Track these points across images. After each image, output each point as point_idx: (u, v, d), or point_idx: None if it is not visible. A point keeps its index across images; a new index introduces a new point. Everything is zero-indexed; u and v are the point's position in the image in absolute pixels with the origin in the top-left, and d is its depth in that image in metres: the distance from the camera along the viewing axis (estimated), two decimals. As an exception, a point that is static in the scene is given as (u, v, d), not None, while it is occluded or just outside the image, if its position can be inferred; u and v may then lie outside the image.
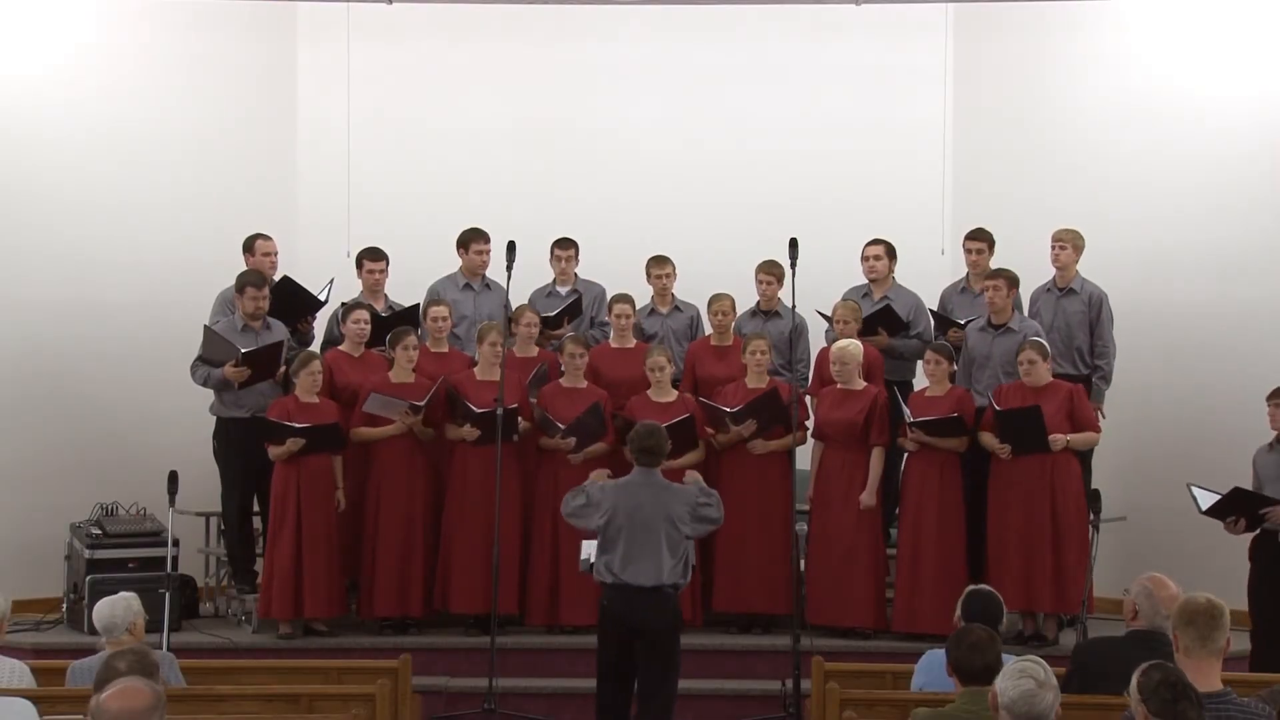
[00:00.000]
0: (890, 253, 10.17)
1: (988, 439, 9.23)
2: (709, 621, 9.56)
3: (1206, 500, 8.48)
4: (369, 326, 9.66)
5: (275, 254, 10.14)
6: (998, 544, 9.17)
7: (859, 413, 9.28)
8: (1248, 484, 8.76)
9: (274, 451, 9.13)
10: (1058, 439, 9.02)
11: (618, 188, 11.62)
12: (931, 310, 10.12)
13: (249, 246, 10.08)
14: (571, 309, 10.16)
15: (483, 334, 9.50)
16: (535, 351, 9.81)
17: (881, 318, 9.99)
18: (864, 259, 10.19)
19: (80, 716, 4.86)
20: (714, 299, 9.88)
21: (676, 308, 10.33)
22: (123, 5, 11.08)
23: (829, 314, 10.08)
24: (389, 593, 9.35)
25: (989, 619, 6.21)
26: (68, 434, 10.64)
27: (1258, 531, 8.51)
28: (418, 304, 9.95)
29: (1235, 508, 8.39)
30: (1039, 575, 9.03)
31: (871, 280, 10.20)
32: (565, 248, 10.37)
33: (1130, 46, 10.92)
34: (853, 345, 9.39)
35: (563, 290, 10.38)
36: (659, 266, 10.22)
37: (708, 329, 10.10)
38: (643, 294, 10.24)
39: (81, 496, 10.04)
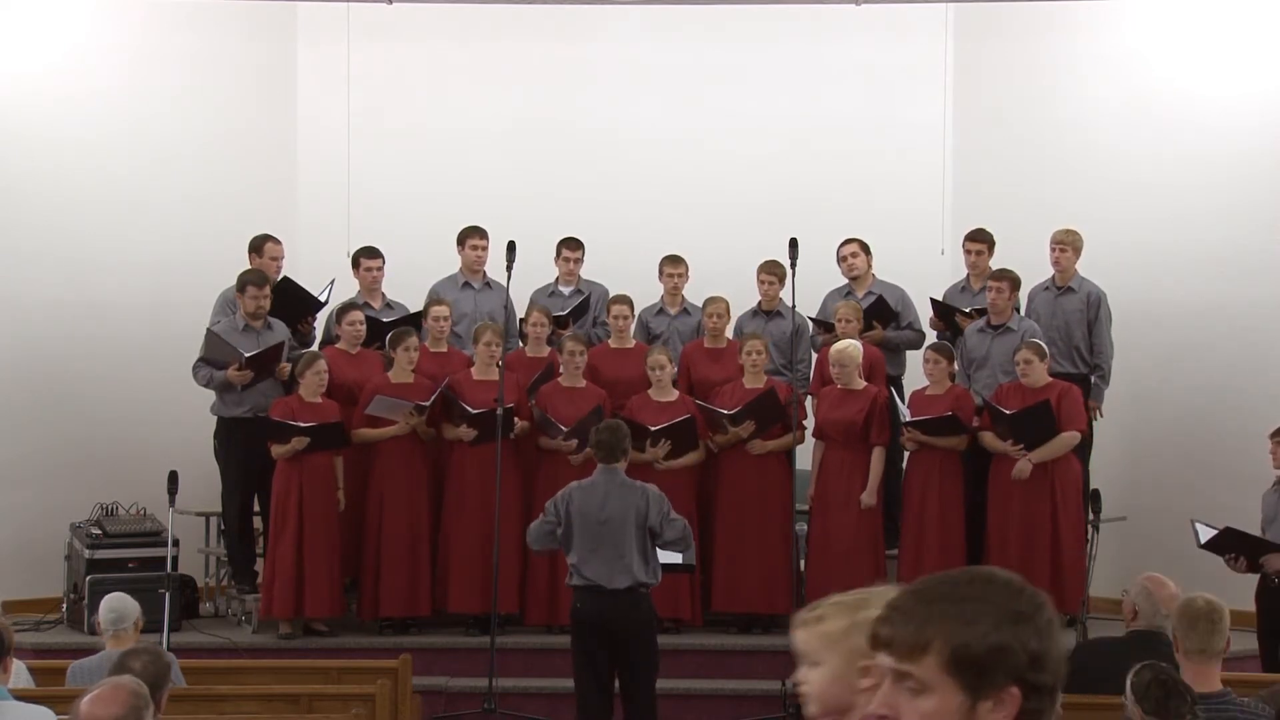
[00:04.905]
0: (865, 249, 10.20)
1: (990, 439, 9.22)
2: (709, 621, 9.56)
3: (1206, 535, 8.45)
4: (364, 327, 9.67)
5: (282, 258, 10.14)
6: (998, 544, 9.18)
7: (859, 413, 9.28)
8: (1250, 498, 8.73)
9: (277, 450, 9.13)
10: (1022, 468, 9.01)
11: (617, 188, 11.61)
12: (935, 300, 10.12)
13: (257, 247, 10.08)
14: (579, 309, 10.16)
15: (478, 334, 9.51)
16: (546, 351, 9.81)
17: (875, 311, 10.01)
18: (840, 258, 10.21)
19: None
20: (709, 301, 9.89)
21: (685, 310, 10.32)
22: (123, 5, 11.08)
23: (821, 318, 10.10)
24: (395, 592, 9.35)
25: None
26: (68, 434, 10.63)
27: (1260, 576, 8.45)
28: (417, 312, 9.94)
29: (1232, 545, 8.35)
30: (1038, 575, 9.01)
31: (852, 278, 10.21)
32: (573, 248, 10.36)
33: (1130, 46, 10.92)
34: (852, 346, 9.39)
35: (566, 290, 10.38)
36: (672, 266, 10.21)
37: (710, 332, 10.10)
38: (642, 294, 10.23)
39: (81, 496, 10.05)
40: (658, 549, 7.56)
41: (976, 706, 2.12)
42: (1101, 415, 9.78)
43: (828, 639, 2.82)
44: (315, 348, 10.03)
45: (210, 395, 9.68)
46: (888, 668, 2.17)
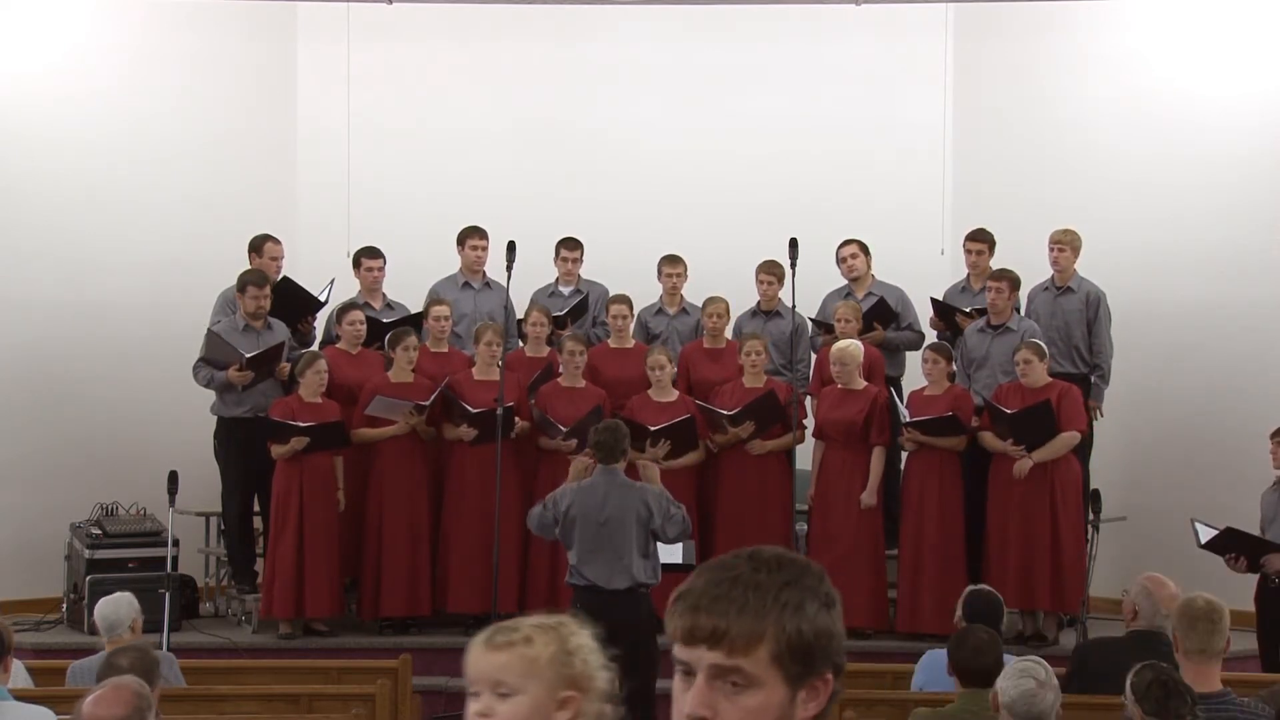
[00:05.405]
0: (865, 250, 10.20)
1: (990, 439, 9.22)
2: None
3: (1206, 534, 8.45)
4: (364, 328, 9.67)
5: (282, 258, 10.14)
6: (998, 544, 9.18)
7: (859, 413, 9.28)
8: (1250, 498, 8.74)
9: (277, 450, 9.13)
10: (1022, 466, 9.00)
11: (617, 188, 11.61)
12: (935, 300, 10.13)
13: (257, 247, 10.08)
14: (578, 308, 10.16)
15: (478, 334, 9.52)
16: (546, 351, 9.81)
17: (875, 313, 10.01)
18: (840, 260, 10.21)
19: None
20: (708, 301, 9.89)
21: (684, 310, 10.31)
22: (123, 4, 11.08)
23: (820, 318, 10.10)
24: (396, 593, 9.35)
25: (990, 619, 6.22)
26: (68, 434, 10.63)
27: (1259, 576, 8.45)
28: (418, 312, 9.95)
29: (1232, 545, 8.36)
30: (1039, 575, 9.03)
31: (852, 280, 10.21)
32: (572, 248, 10.36)
33: (1130, 46, 10.92)
34: (853, 346, 9.39)
35: (565, 290, 10.38)
36: (671, 265, 10.20)
37: (709, 332, 10.10)
38: (642, 294, 10.23)
39: (81, 496, 10.04)
40: (659, 545, 7.57)
41: (795, 698, 2.02)
42: (1101, 415, 9.77)
43: (534, 665, 2.50)
44: (315, 348, 10.03)
45: (210, 395, 9.69)
46: (708, 664, 2.01)
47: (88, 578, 9.49)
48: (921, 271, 10.51)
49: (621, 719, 2.63)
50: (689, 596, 2.06)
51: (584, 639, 2.56)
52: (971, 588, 6.86)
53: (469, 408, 9.21)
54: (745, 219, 11.29)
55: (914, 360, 10.13)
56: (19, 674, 6.44)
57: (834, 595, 2.07)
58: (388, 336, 9.59)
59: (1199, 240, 10.47)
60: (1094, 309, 9.78)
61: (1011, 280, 9.64)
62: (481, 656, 2.52)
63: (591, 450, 7.66)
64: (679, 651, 2.06)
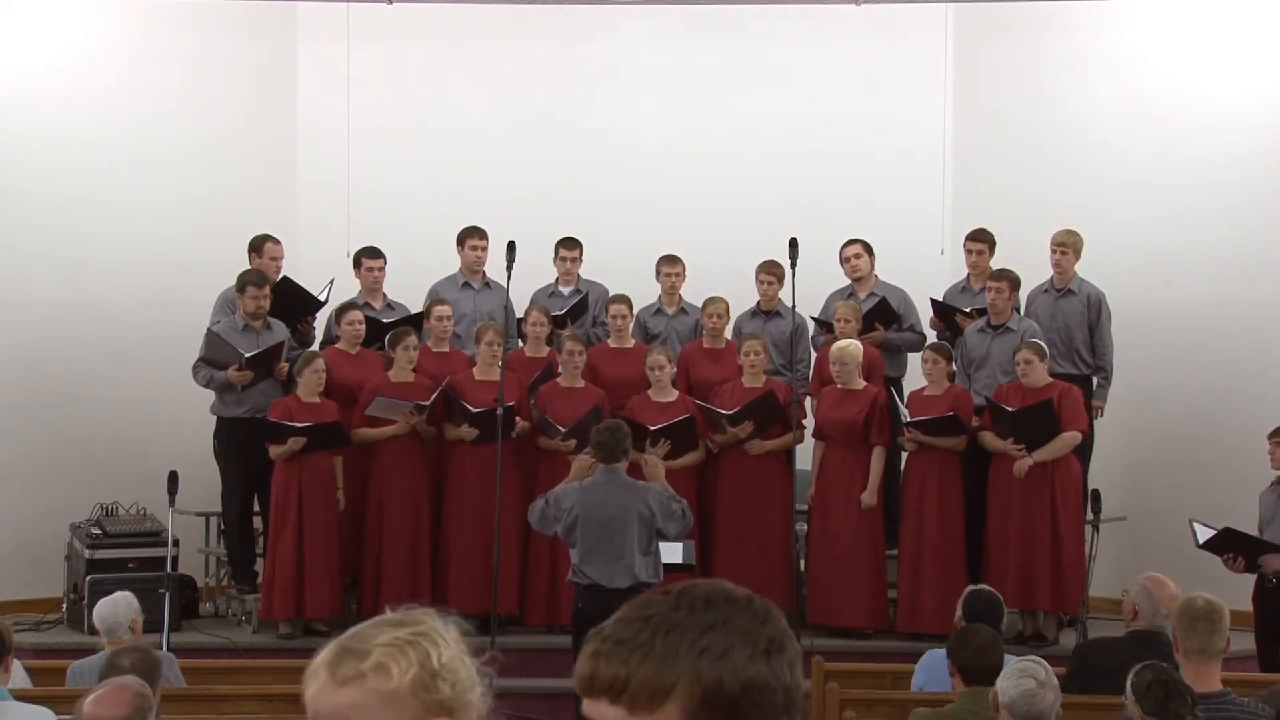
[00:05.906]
0: (868, 250, 10.20)
1: (990, 439, 9.22)
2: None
3: (1204, 535, 8.46)
4: (364, 327, 9.67)
5: (282, 258, 10.15)
6: (998, 544, 9.18)
7: (859, 412, 9.28)
8: (1250, 498, 8.74)
9: (275, 451, 9.13)
10: (1022, 465, 8.99)
11: (617, 188, 11.60)
12: (935, 300, 10.13)
13: (257, 247, 10.08)
14: (577, 308, 10.16)
15: (480, 334, 9.52)
16: (545, 351, 9.81)
17: (877, 313, 10.01)
18: (844, 260, 10.22)
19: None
20: (708, 301, 9.89)
21: (683, 309, 10.31)
22: (123, 4, 11.09)
23: (821, 318, 10.10)
24: (396, 593, 9.34)
25: (990, 619, 6.23)
26: (68, 434, 10.63)
27: (1258, 576, 8.45)
28: (418, 313, 9.95)
29: (1231, 546, 8.36)
30: (1039, 575, 9.04)
31: (855, 279, 10.21)
32: (570, 248, 10.36)
33: (1130, 46, 10.92)
34: (853, 345, 9.39)
35: (565, 290, 10.38)
36: (670, 265, 10.20)
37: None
38: (642, 294, 10.23)
39: (81, 496, 10.04)
40: (660, 544, 7.59)
41: None
42: (1102, 414, 9.77)
43: (393, 701, 1.99)
44: (315, 348, 10.02)
45: (210, 395, 9.69)
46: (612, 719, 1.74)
47: (88, 578, 9.49)
48: (921, 271, 10.51)
49: None
50: (594, 639, 1.77)
51: (448, 649, 2.05)
52: (971, 588, 6.86)
53: (470, 407, 9.22)
54: (745, 219, 11.28)
55: (914, 360, 10.13)
56: (18, 674, 6.44)
57: (782, 640, 1.77)
58: (388, 336, 9.59)
59: (1199, 240, 10.47)
60: (1095, 311, 9.78)
61: (1011, 280, 9.64)
62: (326, 692, 2.00)
63: (593, 450, 7.67)
64: (584, 706, 1.77)
